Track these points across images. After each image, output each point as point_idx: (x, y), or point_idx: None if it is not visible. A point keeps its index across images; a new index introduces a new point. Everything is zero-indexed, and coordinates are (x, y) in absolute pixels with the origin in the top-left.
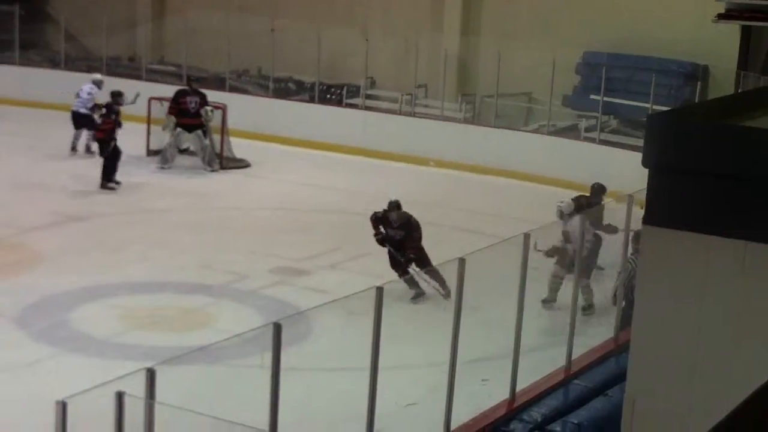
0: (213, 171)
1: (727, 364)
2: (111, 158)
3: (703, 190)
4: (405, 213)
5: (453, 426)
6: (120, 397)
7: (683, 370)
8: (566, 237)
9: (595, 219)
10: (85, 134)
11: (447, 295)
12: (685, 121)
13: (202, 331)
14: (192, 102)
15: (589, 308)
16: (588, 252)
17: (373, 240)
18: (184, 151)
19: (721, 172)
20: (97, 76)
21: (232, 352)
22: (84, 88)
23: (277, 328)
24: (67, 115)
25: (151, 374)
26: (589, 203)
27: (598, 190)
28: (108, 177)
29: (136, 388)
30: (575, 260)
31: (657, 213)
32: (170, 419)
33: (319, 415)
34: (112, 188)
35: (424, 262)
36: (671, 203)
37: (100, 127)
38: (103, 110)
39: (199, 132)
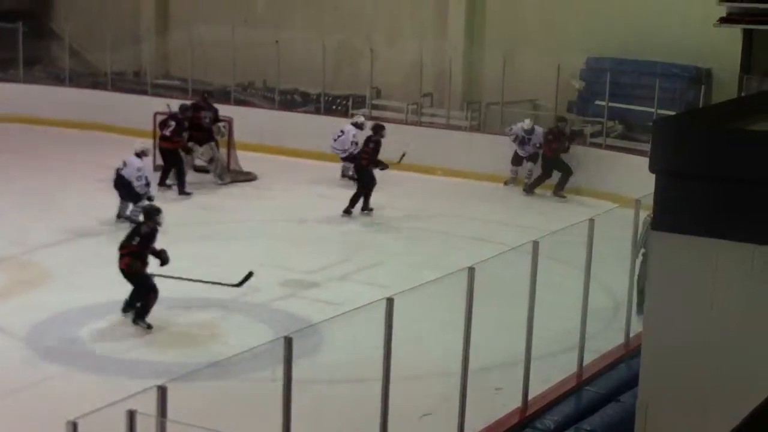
0: (224, 184)
1: (738, 367)
2: (180, 167)
3: (710, 194)
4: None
5: None
6: (131, 415)
7: (695, 374)
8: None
9: None
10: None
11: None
12: (690, 125)
13: (213, 346)
14: (206, 117)
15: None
16: None
17: (381, 251)
18: (199, 170)
19: (727, 176)
20: (360, 118)
21: (244, 366)
22: (347, 130)
23: (288, 342)
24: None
25: (162, 392)
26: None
27: None
28: (183, 183)
29: (147, 406)
30: None
31: (665, 218)
32: None
33: (332, 427)
34: (189, 193)
35: None
36: (679, 208)
37: (172, 139)
38: (171, 124)
39: (212, 144)
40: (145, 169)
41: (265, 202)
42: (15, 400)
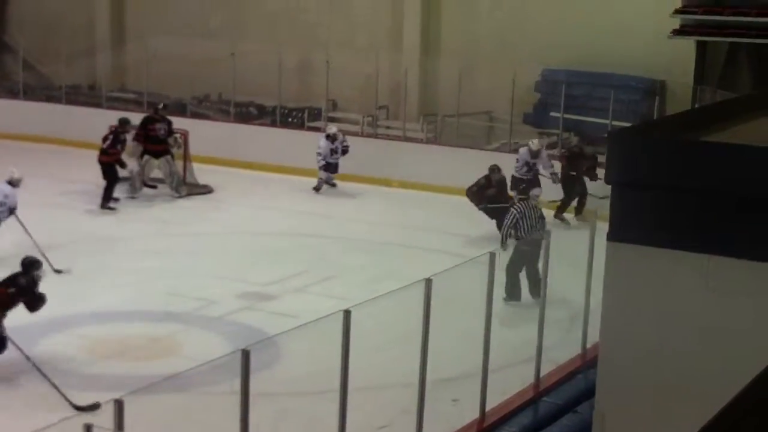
0: (180, 197)
1: (693, 376)
2: (112, 182)
3: (665, 204)
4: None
5: None
6: (88, 429)
7: (651, 384)
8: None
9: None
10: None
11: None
12: (645, 137)
13: (170, 359)
14: (161, 129)
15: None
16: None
17: (338, 263)
18: (150, 186)
19: (682, 186)
20: (332, 129)
21: (201, 379)
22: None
23: (246, 355)
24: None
25: (119, 405)
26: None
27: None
28: (108, 198)
29: (104, 420)
30: None
31: (621, 229)
32: None
33: None
34: (112, 209)
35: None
36: (634, 219)
37: (108, 152)
38: (110, 138)
39: (168, 157)
40: (11, 198)
41: (221, 214)
42: None
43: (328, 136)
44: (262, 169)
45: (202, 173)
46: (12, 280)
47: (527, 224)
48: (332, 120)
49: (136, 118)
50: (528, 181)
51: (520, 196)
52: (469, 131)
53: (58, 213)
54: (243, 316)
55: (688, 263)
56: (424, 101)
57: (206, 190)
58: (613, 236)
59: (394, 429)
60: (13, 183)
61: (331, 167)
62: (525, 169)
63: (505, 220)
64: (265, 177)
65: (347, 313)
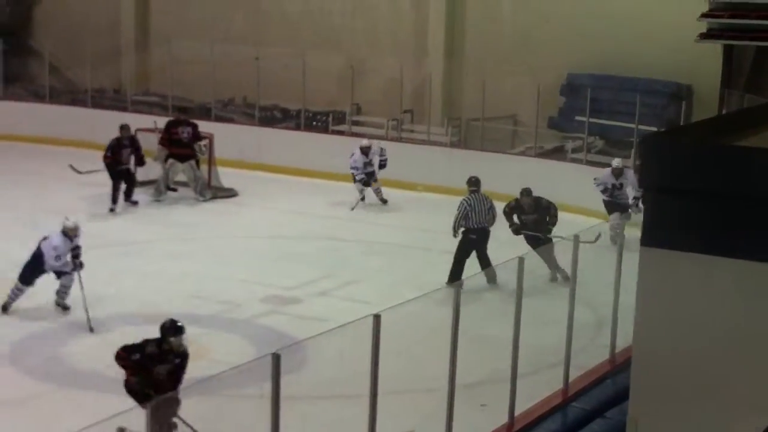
0: (205, 200)
1: (729, 383)
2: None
3: (700, 210)
4: (536, 197)
5: None
6: None
7: (686, 390)
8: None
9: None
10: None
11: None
12: (679, 141)
13: (196, 363)
14: (184, 132)
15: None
16: None
17: (361, 267)
18: (172, 189)
19: (716, 191)
20: (365, 141)
21: (229, 382)
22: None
23: (276, 359)
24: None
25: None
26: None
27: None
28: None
29: (136, 424)
30: None
31: (655, 234)
32: None
33: None
34: (112, 210)
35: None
36: (669, 224)
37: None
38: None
39: (192, 162)
40: (61, 249)
41: (245, 218)
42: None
43: (362, 149)
44: (286, 173)
45: (226, 177)
46: (139, 348)
47: (477, 217)
48: (356, 124)
49: (162, 122)
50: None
51: (472, 188)
52: (494, 135)
53: (81, 216)
54: (267, 320)
55: (722, 268)
56: (448, 105)
57: (231, 193)
58: (646, 241)
59: None
60: (66, 232)
61: (367, 177)
62: (610, 192)
63: (457, 212)
64: (289, 180)
65: (377, 318)
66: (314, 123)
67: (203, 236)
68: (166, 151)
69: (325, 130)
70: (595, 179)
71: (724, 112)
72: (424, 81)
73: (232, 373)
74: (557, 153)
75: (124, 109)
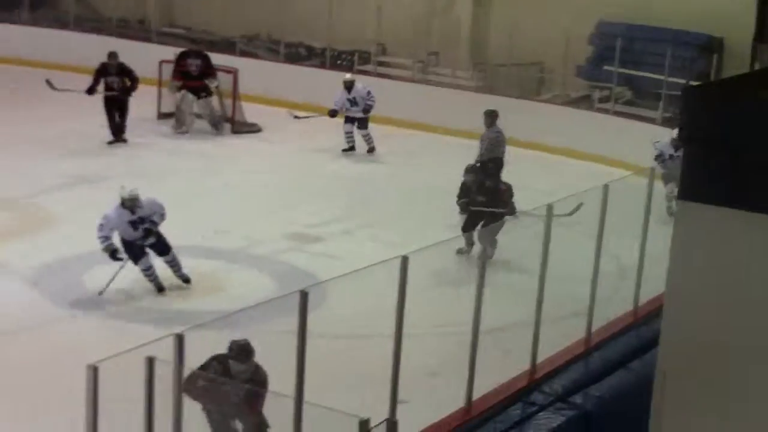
0: (219, 135)
1: (759, 338)
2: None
3: (739, 164)
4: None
5: (474, 396)
6: (151, 362)
7: (715, 344)
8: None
9: None
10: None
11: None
12: (721, 93)
13: (217, 296)
14: (193, 64)
15: None
16: None
17: (384, 208)
18: (199, 116)
19: (758, 146)
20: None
21: (251, 317)
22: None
23: (304, 296)
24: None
25: (179, 339)
26: None
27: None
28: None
29: (161, 353)
30: None
31: (693, 187)
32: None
33: (340, 380)
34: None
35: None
36: (706, 177)
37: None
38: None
39: (204, 95)
40: (112, 221)
41: (268, 154)
42: (22, 342)
43: (345, 84)
44: (310, 110)
45: (249, 112)
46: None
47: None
48: (381, 64)
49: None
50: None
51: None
52: (520, 81)
53: (104, 146)
54: (289, 256)
55: (762, 225)
56: (475, 49)
57: (254, 128)
58: (683, 195)
59: (445, 377)
60: (123, 202)
61: (358, 122)
62: (664, 161)
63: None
64: (314, 118)
65: (405, 259)
66: (339, 62)
67: (227, 171)
68: (177, 83)
69: (349, 69)
70: (655, 143)
71: (756, 67)
72: (451, 23)
73: (258, 309)
74: (584, 102)
75: (148, 40)
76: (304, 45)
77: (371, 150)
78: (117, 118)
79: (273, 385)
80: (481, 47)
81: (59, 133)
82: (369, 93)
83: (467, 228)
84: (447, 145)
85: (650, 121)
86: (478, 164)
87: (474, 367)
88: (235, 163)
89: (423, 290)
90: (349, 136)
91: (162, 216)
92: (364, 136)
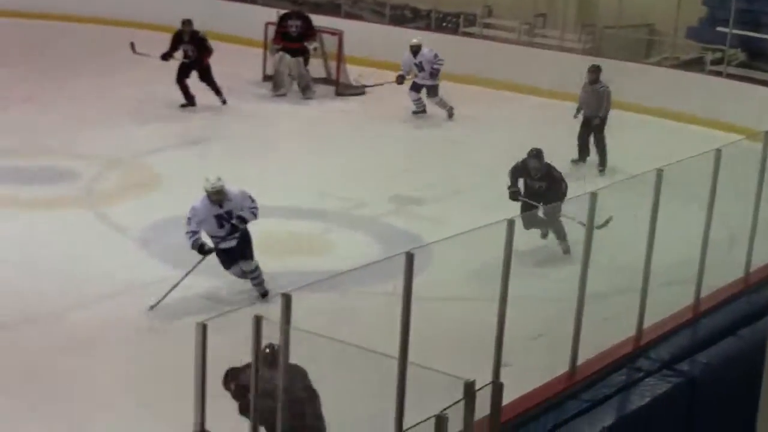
0: (307, 99)
1: None
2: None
3: None
4: (548, 164)
5: (579, 361)
6: (258, 321)
7: None
8: None
9: None
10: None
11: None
12: None
13: (321, 258)
14: (293, 26)
15: None
16: None
17: (492, 172)
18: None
19: None
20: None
21: (354, 279)
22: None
23: (410, 258)
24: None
25: (287, 299)
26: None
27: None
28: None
29: (267, 313)
30: None
31: None
32: (302, 345)
33: (445, 343)
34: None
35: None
36: None
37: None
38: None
39: (300, 59)
40: (200, 214)
41: (373, 116)
42: (127, 301)
43: (411, 48)
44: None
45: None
46: None
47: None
48: (487, 27)
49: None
50: None
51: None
52: (629, 44)
53: (206, 108)
54: (393, 219)
55: None
56: (583, 10)
57: (359, 91)
58: None
59: (549, 340)
60: (208, 195)
61: (427, 90)
62: None
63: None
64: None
65: (511, 222)
66: (444, 24)
67: (330, 133)
68: (277, 45)
69: (455, 31)
70: None
71: None
72: None
73: (358, 270)
74: (695, 65)
75: (254, 2)
76: (410, 7)
77: (450, 114)
78: (207, 85)
79: (377, 346)
80: (590, 8)
81: (161, 94)
82: (436, 56)
83: (527, 226)
84: (552, 108)
85: (765, 84)
86: (583, 119)
87: (579, 332)
88: (337, 126)
89: (526, 255)
90: (417, 101)
91: (253, 212)
92: (437, 103)
